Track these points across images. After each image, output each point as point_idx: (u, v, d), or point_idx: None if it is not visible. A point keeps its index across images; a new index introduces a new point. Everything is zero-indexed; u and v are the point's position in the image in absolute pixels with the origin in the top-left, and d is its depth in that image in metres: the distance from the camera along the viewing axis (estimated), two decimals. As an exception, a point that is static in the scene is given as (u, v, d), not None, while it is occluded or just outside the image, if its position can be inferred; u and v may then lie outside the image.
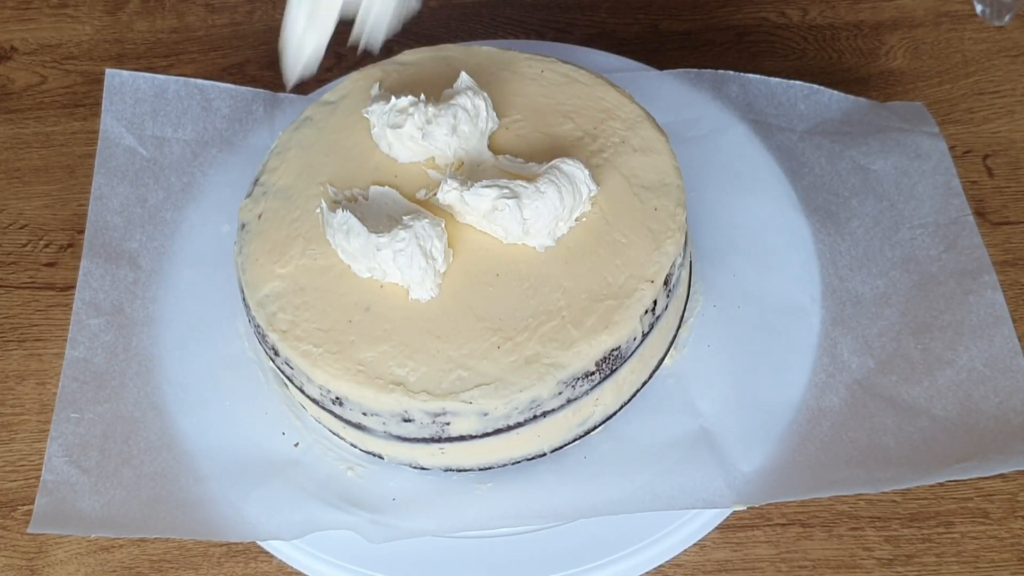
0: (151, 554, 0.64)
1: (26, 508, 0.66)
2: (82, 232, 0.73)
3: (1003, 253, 0.72)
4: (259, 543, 0.63)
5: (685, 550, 0.62)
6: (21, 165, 0.81)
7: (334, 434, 0.63)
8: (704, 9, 0.85)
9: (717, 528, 0.62)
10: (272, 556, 0.63)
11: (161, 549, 0.64)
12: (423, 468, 0.62)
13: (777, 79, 0.76)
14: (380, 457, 0.62)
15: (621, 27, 0.85)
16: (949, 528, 0.63)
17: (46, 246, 0.77)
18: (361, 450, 0.63)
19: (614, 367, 0.59)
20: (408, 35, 0.84)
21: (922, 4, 0.85)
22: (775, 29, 0.85)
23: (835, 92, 0.75)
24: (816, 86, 0.75)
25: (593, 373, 0.58)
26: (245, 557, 0.64)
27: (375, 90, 0.67)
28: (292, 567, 0.62)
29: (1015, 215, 0.74)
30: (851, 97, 0.75)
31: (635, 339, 0.59)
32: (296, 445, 0.64)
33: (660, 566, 0.62)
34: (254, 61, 0.83)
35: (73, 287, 0.70)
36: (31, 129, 0.83)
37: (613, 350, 0.58)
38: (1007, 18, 0.75)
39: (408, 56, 0.69)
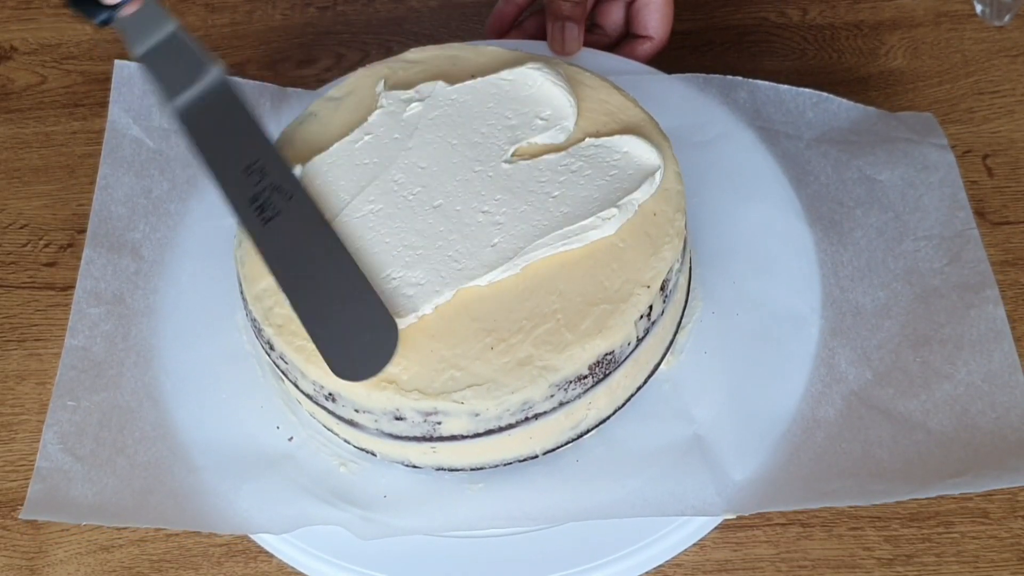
0: (151, 554, 0.64)
1: (26, 508, 0.66)
2: (82, 232, 0.73)
3: (1003, 253, 0.72)
4: (260, 543, 0.63)
5: (685, 550, 0.62)
6: (21, 165, 0.81)
7: (328, 430, 0.63)
8: (704, 9, 0.85)
9: (717, 528, 0.62)
10: (272, 556, 0.63)
11: (161, 549, 0.64)
12: (415, 466, 0.62)
13: (786, 86, 0.75)
14: (373, 454, 0.62)
15: (622, 27, 0.85)
16: (949, 528, 0.63)
17: (46, 246, 0.77)
18: (354, 446, 0.63)
19: (607, 371, 0.59)
20: (408, 35, 0.85)
21: (922, 4, 0.85)
22: (775, 29, 0.85)
23: (844, 100, 0.75)
24: (825, 94, 0.75)
25: (586, 377, 0.58)
26: (245, 557, 0.64)
27: (380, 87, 0.67)
28: (292, 567, 0.63)
29: (1015, 215, 0.74)
30: (860, 106, 0.75)
31: (629, 344, 0.59)
32: (290, 440, 0.64)
33: (660, 566, 0.62)
34: (254, 61, 0.84)
35: (73, 287, 0.70)
36: (31, 129, 0.83)
37: (607, 354, 0.58)
38: (1007, 18, 0.75)
39: (414, 54, 0.69)
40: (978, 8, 0.80)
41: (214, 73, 0.62)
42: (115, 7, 0.60)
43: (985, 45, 0.82)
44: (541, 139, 0.64)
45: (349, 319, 0.56)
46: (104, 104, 0.76)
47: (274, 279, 0.58)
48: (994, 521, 0.63)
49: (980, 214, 0.73)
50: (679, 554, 0.62)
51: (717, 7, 0.86)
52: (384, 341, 0.56)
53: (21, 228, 0.78)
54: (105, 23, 0.60)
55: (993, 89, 0.80)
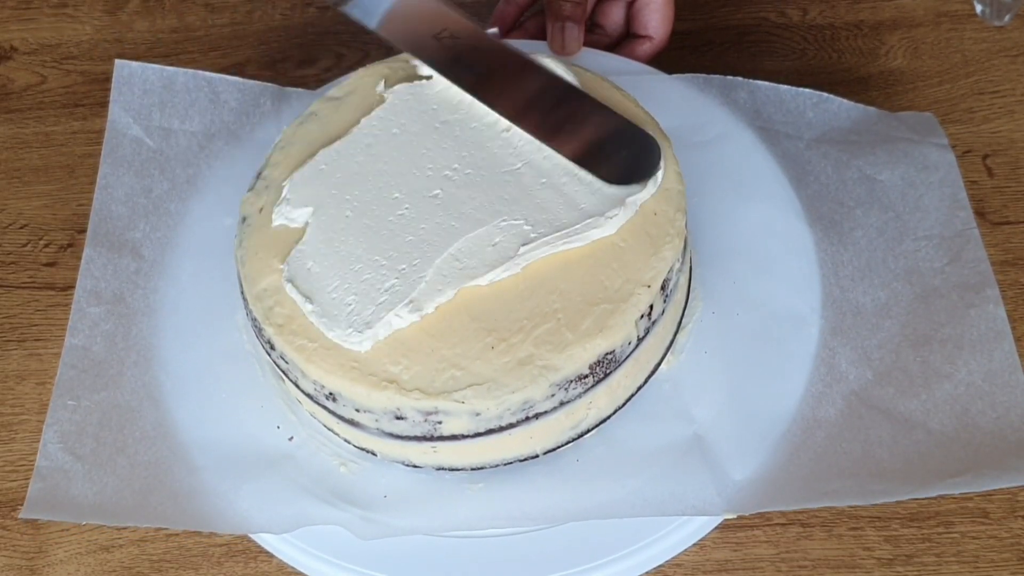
0: (151, 554, 0.64)
1: (26, 508, 0.66)
2: (82, 232, 0.73)
3: (1003, 253, 0.72)
4: (260, 543, 0.63)
5: (685, 550, 0.62)
6: (21, 165, 0.81)
7: (328, 429, 0.63)
8: (704, 9, 0.85)
9: (717, 528, 0.63)
10: (272, 556, 0.63)
11: (161, 549, 0.64)
12: (415, 466, 0.62)
13: (786, 86, 0.75)
14: (373, 454, 0.62)
15: (621, 26, 0.85)
16: (949, 528, 0.63)
17: (46, 246, 0.77)
18: (354, 446, 0.63)
19: (608, 371, 0.59)
20: None
21: (922, 4, 0.85)
22: (775, 29, 0.85)
23: (844, 100, 0.75)
24: (826, 94, 0.75)
25: (586, 376, 0.58)
26: (245, 557, 0.64)
27: (380, 87, 0.67)
28: (292, 567, 0.62)
29: (1015, 215, 0.74)
30: (860, 106, 0.75)
31: (630, 343, 0.59)
32: (291, 439, 0.64)
33: (660, 566, 0.62)
34: (254, 61, 0.84)
35: (73, 287, 0.70)
36: (31, 129, 0.83)
37: (607, 354, 0.58)
38: (1007, 18, 0.75)
39: (415, 54, 0.69)
40: (978, 8, 0.81)
41: None
42: None
43: (985, 45, 0.82)
44: None
45: (610, 140, 0.60)
46: (104, 104, 0.76)
47: (515, 125, 0.60)
48: (994, 521, 0.63)
49: (980, 214, 0.73)
50: (679, 554, 0.62)
51: (717, 7, 0.86)
52: (650, 150, 0.60)
53: (21, 228, 0.78)
54: None
55: (993, 89, 0.80)
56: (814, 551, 0.62)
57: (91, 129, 0.82)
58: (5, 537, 0.66)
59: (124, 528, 0.65)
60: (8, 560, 0.65)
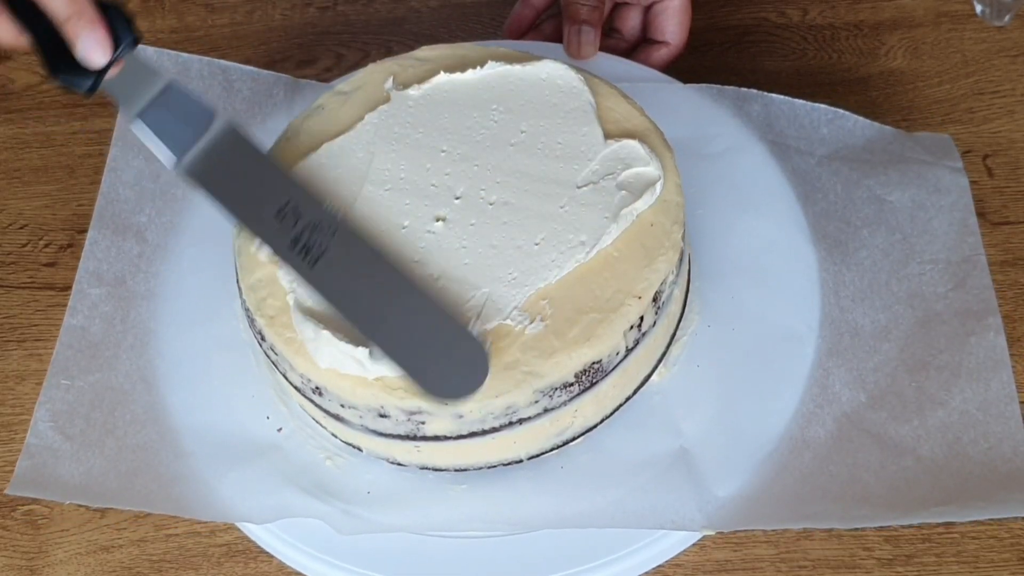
0: (151, 554, 0.64)
1: (26, 508, 0.66)
2: (82, 232, 0.73)
3: (1003, 253, 0.71)
4: (260, 544, 0.63)
5: (685, 550, 0.62)
6: (21, 165, 0.81)
7: (316, 422, 0.64)
8: (704, 9, 0.84)
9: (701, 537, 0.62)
10: (272, 556, 0.63)
11: (161, 549, 0.65)
12: (400, 464, 0.62)
13: (801, 101, 0.75)
14: (359, 449, 0.62)
15: (622, 27, 0.84)
16: (949, 528, 0.62)
17: (46, 246, 0.77)
18: (341, 440, 0.63)
19: (594, 380, 0.59)
20: (408, 35, 0.85)
21: (922, 4, 0.84)
22: (775, 29, 0.85)
23: (860, 118, 0.74)
24: (841, 111, 0.74)
25: (572, 384, 0.58)
26: (245, 557, 0.64)
27: (389, 84, 0.67)
28: (292, 567, 0.63)
29: (1015, 215, 0.73)
30: (876, 124, 0.74)
31: (618, 354, 0.59)
32: (279, 430, 0.64)
33: (660, 566, 0.62)
34: (254, 61, 0.83)
35: (72, 287, 0.70)
36: (31, 129, 0.83)
37: (594, 363, 0.58)
38: (1007, 18, 0.75)
39: (425, 52, 0.69)
40: (978, 8, 0.80)
41: (217, 123, 0.58)
42: (100, 72, 0.56)
43: (985, 45, 0.82)
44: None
45: (434, 344, 0.55)
46: (104, 104, 0.76)
47: (340, 315, 0.56)
48: (994, 521, 0.62)
49: (980, 214, 0.72)
50: (679, 554, 0.62)
51: (717, 7, 0.86)
52: (476, 360, 0.55)
53: (21, 228, 0.78)
54: (92, 91, 0.56)
55: (993, 89, 0.80)
56: (814, 551, 0.62)
57: (91, 129, 0.82)
58: (5, 537, 0.66)
59: (124, 528, 0.65)
60: (8, 560, 0.65)
